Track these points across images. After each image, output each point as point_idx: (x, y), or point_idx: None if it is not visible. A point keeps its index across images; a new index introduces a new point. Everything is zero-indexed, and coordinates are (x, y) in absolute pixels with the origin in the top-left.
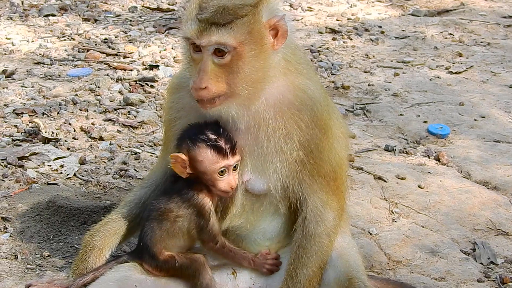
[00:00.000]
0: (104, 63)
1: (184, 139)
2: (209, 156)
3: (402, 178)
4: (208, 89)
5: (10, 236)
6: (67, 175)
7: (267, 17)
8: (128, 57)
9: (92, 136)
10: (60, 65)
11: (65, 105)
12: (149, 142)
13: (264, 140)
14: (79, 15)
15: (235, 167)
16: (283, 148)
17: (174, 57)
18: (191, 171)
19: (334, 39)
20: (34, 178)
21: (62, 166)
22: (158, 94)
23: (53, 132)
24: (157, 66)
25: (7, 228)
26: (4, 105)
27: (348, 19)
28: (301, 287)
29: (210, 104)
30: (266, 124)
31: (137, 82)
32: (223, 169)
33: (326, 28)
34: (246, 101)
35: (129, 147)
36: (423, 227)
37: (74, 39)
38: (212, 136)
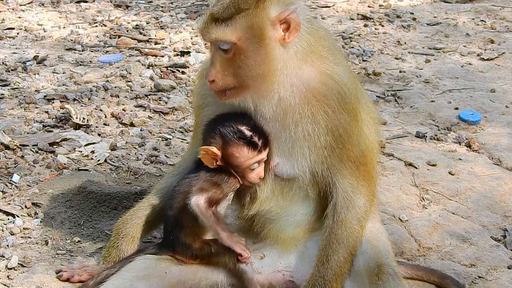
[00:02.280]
0: (135, 49)
1: (216, 132)
2: (245, 153)
3: (433, 165)
4: (215, 82)
5: (40, 221)
6: (98, 161)
7: (277, 11)
8: (159, 43)
9: (123, 122)
10: (92, 51)
11: (96, 91)
12: (179, 128)
13: (291, 126)
14: (111, 1)
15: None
16: (311, 134)
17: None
18: (221, 163)
19: (365, 25)
20: (65, 164)
21: (93, 152)
22: (189, 80)
23: (84, 118)
24: (188, 52)
25: (37, 214)
26: (36, 91)
27: (379, 5)
28: (333, 273)
29: (223, 96)
30: (293, 111)
31: (168, 68)
32: (256, 163)
33: (358, 14)
34: (260, 92)
35: (160, 133)
36: (453, 213)
37: (105, 25)
38: (247, 132)
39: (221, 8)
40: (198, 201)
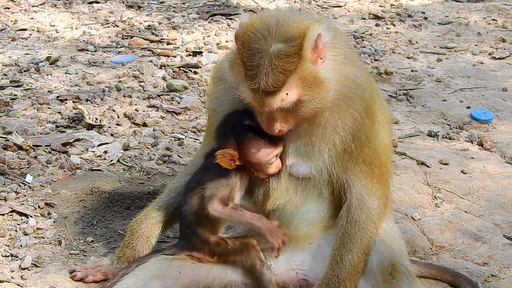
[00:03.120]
0: (148, 50)
1: (230, 134)
2: (263, 149)
3: (445, 164)
4: (281, 130)
5: (54, 221)
6: (111, 161)
7: (311, 49)
8: (172, 44)
9: (135, 122)
10: (104, 51)
11: (108, 91)
12: (192, 128)
13: (316, 130)
14: (123, 2)
15: None
16: (336, 141)
17: (217, 44)
18: (240, 162)
19: (377, 25)
20: (77, 164)
21: (105, 152)
22: (201, 80)
23: (96, 119)
24: (201, 52)
25: (51, 214)
26: (48, 91)
27: (391, 5)
28: (347, 272)
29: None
30: (323, 119)
31: (181, 68)
32: (274, 157)
33: (369, 14)
34: (315, 118)
35: (173, 133)
36: (466, 212)
37: (117, 26)
38: (255, 124)
39: (271, 80)
40: (213, 207)
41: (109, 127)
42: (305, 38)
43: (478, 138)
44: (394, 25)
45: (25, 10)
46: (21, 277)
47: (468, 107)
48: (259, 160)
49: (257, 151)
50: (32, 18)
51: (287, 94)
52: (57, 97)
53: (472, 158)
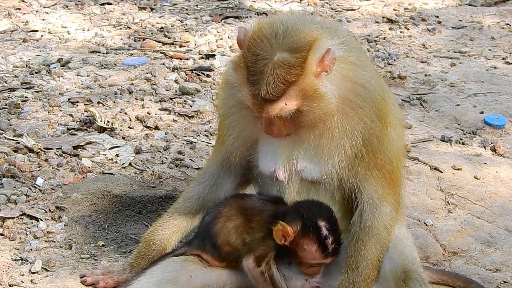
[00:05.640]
0: (160, 52)
1: (300, 216)
2: (313, 251)
3: (458, 169)
4: (280, 134)
5: (64, 225)
6: (122, 164)
7: (316, 63)
8: (184, 46)
9: (147, 125)
10: (116, 54)
11: (120, 94)
12: (205, 131)
13: (327, 135)
14: (135, 4)
15: None
16: (346, 146)
17: (230, 47)
18: (288, 245)
19: (391, 28)
20: (89, 168)
21: (117, 155)
22: (214, 84)
23: (108, 121)
24: (213, 55)
25: (61, 217)
26: (60, 94)
27: (405, 8)
28: (362, 279)
29: (286, 136)
30: (331, 125)
31: (193, 71)
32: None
33: (383, 17)
34: (316, 126)
35: (185, 136)
36: (479, 218)
37: (130, 28)
38: (325, 232)
39: (271, 89)
40: (248, 262)
41: (120, 130)
42: (310, 51)
43: (491, 143)
44: (408, 29)
45: (37, 11)
46: (31, 281)
47: (482, 112)
48: (304, 256)
49: (308, 250)
50: (43, 19)
51: (286, 104)
52: (69, 99)
53: (485, 163)
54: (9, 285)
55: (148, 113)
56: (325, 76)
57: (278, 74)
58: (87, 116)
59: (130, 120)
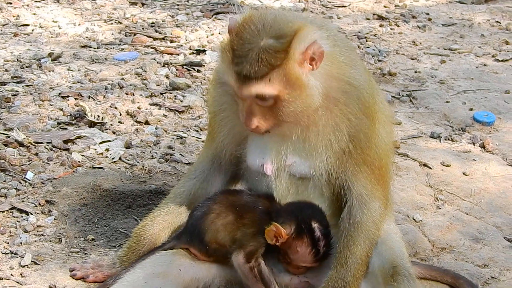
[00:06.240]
0: (151, 47)
1: (294, 218)
2: (305, 253)
3: (447, 165)
4: (259, 127)
5: (54, 219)
6: (113, 159)
7: (300, 51)
8: (175, 42)
9: (138, 120)
10: (107, 48)
11: (111, 88)
12: (195, 126)
13: (313, 131)
14: None
15: None
16: (332, 141)
17: (221, 42)
18: (279, 245)
19: (381, 25)
20: (79, 162)
21: (107, 149)
22: (204, 79)
23: (99, 116)
24: (204, 50)
25: (51, 211)
26: (50, 88)
27: (395, 5)
28: (351, 275)
29: (264, 133)
30: (315, 120)
31: (184, 66)
32: (306, 267)
33: (374, 14)
34: (298, 121)
35: (175, 131)
36: (467, 214)
37: (121, 23)
38: (318, 235)
39: (254, 68)
40: (238, 257)
41: (111, 124)
42: (295, 37)
43: (480, 140)
44: (398, 26)
45: (28, 5)
46: (21, 274)
47: (471, 109)
48: (295, 258)
49: (300, 253)
50: (34, 14)
51: (267, 84)
52: (59, 93)
53: (474, 160)
54: None
55: (138, 108)
56: (311, 71)
57: (262, 58)
58: (78, 111)
59: (120, 114)
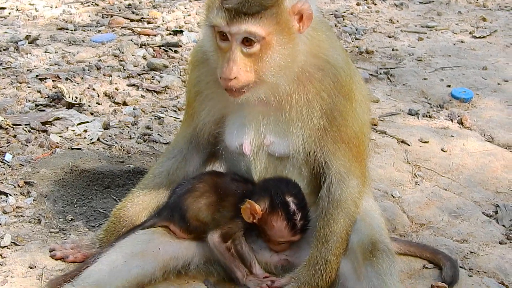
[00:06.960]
0: (128, 29)
1: (268, 194)
2: (281, 228)
3: (425, 142)
4: (237, 79)
5: (33, 200)
6: (91, 139)
7: (291, 3)
8: (152, 23)
9: (115, 101)
10: (84, 30)
11: (88, 70)
12: (172, 107)
13: (286, 108)
14: None
15: None
16: (305, 116)
17: (198, 23)
18: (257, 222)
19: (358, 4)
20: (57, 143)
21: (85, 131)
22: (182, 59)
23: (76, 97)
24: (181, 31)
25: (30, 193)
26: (28, 70)
27: None
28: (332, 253)
29: (239, 94)
30: (288, 95)
31: (161, 47)
32: (286, 241)
33: None
34: (275, 85)
35: (153, 111)
36: (446, 190)
37: (97, 5)
38: (293, 208)
39: (246, 4)
40: (213, 237)
41: (89, 106)
42: None
43: (458, 116)
44: (375, 4)
45: None
46: (1, 255)
47: (449, 86)
48: (272, 234)
49: (276, 228)
50: None
51: (258, 23)
52: (37, 76)
53: (452, 136)
54: None
55: (116, 89)
56: (297, 31)
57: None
58: (55, 92)
59: (98, 96)
